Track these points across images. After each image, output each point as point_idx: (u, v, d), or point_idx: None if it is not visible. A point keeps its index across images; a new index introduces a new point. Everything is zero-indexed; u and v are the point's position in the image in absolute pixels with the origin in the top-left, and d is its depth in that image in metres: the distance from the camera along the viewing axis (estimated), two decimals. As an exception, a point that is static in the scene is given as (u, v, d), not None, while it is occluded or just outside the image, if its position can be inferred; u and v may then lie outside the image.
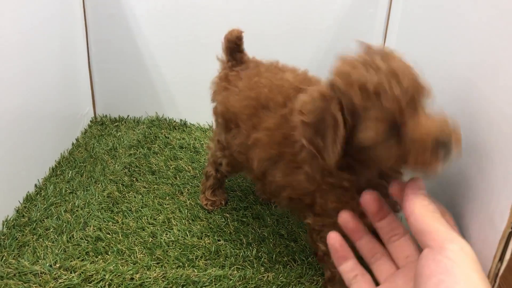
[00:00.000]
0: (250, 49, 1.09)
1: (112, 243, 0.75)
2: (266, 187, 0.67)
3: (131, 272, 0.68)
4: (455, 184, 0.57)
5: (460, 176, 0.56)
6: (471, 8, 0.58)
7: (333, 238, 0.56)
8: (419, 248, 0.48)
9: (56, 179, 0.92)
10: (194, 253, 0.74)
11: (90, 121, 1.16)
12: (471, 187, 0.54)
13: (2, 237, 0.75)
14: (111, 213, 0.82)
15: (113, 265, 0.69)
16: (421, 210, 0.47)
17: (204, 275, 0.68)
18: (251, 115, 0.66)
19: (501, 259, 0.47)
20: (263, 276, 0.69)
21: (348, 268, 0.56)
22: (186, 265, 0.71)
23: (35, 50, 0.86)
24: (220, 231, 0.79)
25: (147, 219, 0.81)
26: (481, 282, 0.40)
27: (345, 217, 0.56)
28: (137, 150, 1.03)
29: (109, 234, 0.77)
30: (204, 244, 0.76)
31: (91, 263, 0.70)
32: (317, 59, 1.09)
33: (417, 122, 0.47)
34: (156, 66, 1.13)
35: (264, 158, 0.63)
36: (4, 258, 0.70)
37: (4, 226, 0.77)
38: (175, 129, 1.16)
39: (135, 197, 0.87)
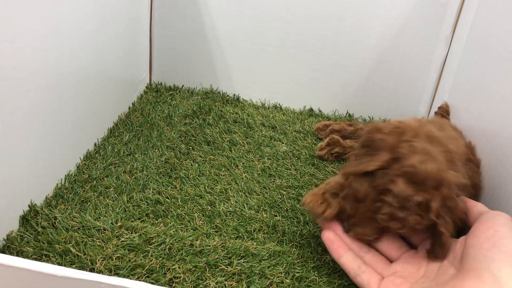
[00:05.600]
0: (311, 31, 1.07)
1: (171, 208, 0.75)
2: None
3: (191, 238, 0.68)
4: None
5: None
6: None
7: (326, 233, 0.64)
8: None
9: (114, 140, 0.92)
10: (252, 226, 0.73)
11: (146, 87, 1.17)
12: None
13: (65, 191, 0.76)
14: (169, 178, 0.83)
15: (173, 229, 0.70)
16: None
17: (263, 248, 0.68)
18: None
19: None
20: (322, 257, 0.69)
21: (350, 258, 0.61)
22: (245, 236, 0.71)
23: (106, 9, 0.86)
24: (276, 207, 0.79)
25: (205, 188, 0.81)
26: None
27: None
28: (193, 120, 1.03)
29: (168, 198, 0.77)
30: (261, 217, 0.75)
31: (151, 225, 0.71)
32: (383, 45, 1.07)
33: None
34: (216, 38, 1.12)
35: None
36: (68, 211, 0.71)
37: (67, 180, 0.78)
38: (228, 103, 1.15)
39: (192, 165, 0.87)
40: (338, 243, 0.63)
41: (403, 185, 0.55)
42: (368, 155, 0.60)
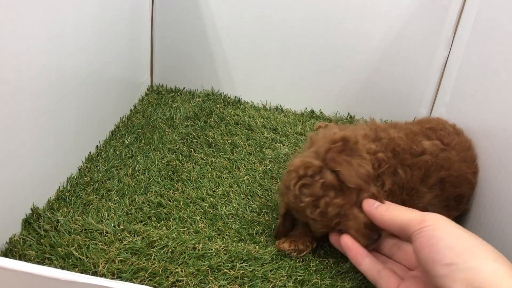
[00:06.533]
0: (312, 33, 1.07)
1: (173, 210, 0.75)
2: None
3: (194, 241, 0.68)
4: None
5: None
6: None
7: (344, 238, 0.63)
8: None
9: (116, 142, 0.92)
10: (254, 228, 0.73)
11: (147, 89, 1.17)
12: None
13: (67, 194, 0.76)
14: (171, 180, 0.83)
15: (176, 232, 0.70)
16: (387, 213, 0.58)
17: (265, 252, 0.68)
18: None
19: None
20: (324, 260, 0.69)
21: (369, 265, 0.60)
22: (248, 240, 0.71)
23: (107, 11, 0.86)
24: (278, 210, 0.78)
25: (207, 190, 0.81)
26: (463, 230, 0.50)
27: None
28: (194, 122, 1.03)
29: (170, 201, 0.77)
30: (263, 220, 0.76)
31: (154, 228, 0.71)
32: (384, 47, 1.06)
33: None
34: (217, 40, 1.12)
35: None
36: (71, 214, 0.71)
37: (69, 183, 0.78)
38: (230, 105, 1.15)
39: (193, 167, 0.87)
40: (356, 250, 0.62)
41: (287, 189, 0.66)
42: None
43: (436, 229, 0.50)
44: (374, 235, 0.62)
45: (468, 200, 0.78)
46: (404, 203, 0.68)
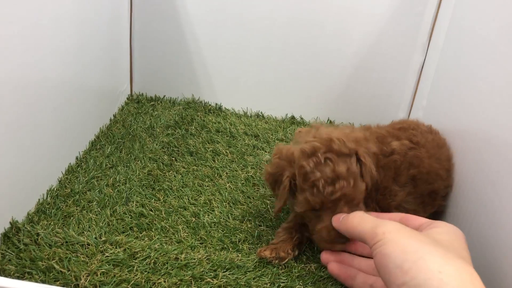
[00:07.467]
0: (292, 40, 1.09)
1: (155, 220, 0.75)
2: None
3: (176, 251, 0.68)
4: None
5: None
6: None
7: (331, 268, 0.65)
8: None
9: (96, 153, 0.92)
10: (237, 236, 0.74)
11: (127, 98, 1.16)
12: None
13: (47, 206, 0.75)
14: (152, 190, 0.83)
15: (158, 243, 0.70)
16: (346, 225, 0.60)
17: (248, 260, 0.68)
18: None
19: None
20: (306, 266, 0.69)
21: (360, 283, 0.61)
22: (230, 248, 0.71)
23: (85, 22, 0.85)
24: (260, 217, 0.79)
25: (188, 199, 0.81)
26: (413, 238, 0.50)
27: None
28: (175, 131, 1.03)
29: (152, 211, 0.77)
30: (246, 228, 0.76)
31: (135, 238, 0.70)
32: (362, 53, 1.08)
33: (323, 219, 0.65)
34: (197, 47, 1.12)
35: None
36: (51, 227, 0.70)
37: (49, 195, 0.77)
38: (211, 112, 1.15)
39: (175, 176, 0.87)
40: (345, 274, 0.63)
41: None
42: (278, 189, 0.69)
43: (386, 244, 0.50)
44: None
45: (444, 196, 0.79)
46: (378, 202, 0.70)
